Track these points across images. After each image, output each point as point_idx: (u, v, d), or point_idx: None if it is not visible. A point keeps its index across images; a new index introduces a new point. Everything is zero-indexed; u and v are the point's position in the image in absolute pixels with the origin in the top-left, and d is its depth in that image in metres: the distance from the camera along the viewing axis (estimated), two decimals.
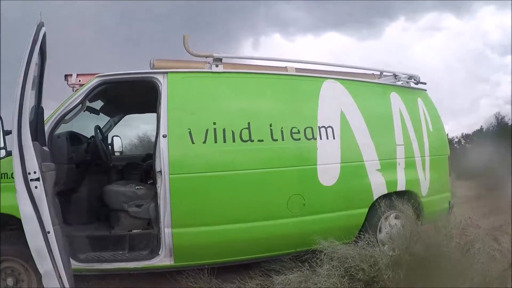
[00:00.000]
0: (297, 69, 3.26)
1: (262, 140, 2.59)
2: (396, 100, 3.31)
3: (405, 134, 3.25)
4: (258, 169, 2.57)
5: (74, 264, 2.43)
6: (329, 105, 2.89)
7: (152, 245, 2.58)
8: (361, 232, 2.87)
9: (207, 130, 2.48)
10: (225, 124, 2.53)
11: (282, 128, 2.66)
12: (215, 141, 2.49)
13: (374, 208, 2.98)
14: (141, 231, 2.73)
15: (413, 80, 3.45)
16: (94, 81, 2.55)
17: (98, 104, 3.45)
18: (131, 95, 3.32)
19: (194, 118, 2.51)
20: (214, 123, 2.50)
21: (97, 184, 3.08)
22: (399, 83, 3.47)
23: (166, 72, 2.60)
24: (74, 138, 2.89)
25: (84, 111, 3.22)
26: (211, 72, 2.66)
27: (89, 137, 3.25)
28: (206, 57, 2.68)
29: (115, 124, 3.86)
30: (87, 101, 3.13)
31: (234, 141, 2.52)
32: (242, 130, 2.55)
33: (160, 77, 2.57)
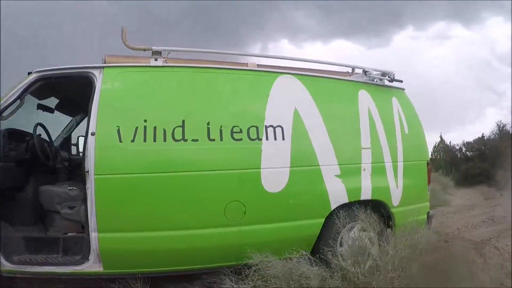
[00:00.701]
0: (258, 65, 3.03)
1: (196, 140, 2.35)
2: (364, 99, 2.97)
3: (374, 137, 2.91)
4: (191, 171, 2.34)
5: (8, 265, 2.33)
6: (281, 103, 2.61)
7: (84, 250, 2.41)
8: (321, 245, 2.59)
9: (136, 128, 2.29)
10: (157, 122, 2.32)
11: (221, 127, 2.41)
12: (144, 140, 2.29)
13: (333, 219, 2.65)
14: (76, 234, 2.58)
15: (387, 77, 3.10)
16: (32, 76, 2.44)
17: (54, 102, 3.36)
18: (82, 92, 3.20)
19: (124, 115, 2.32)
20: (145, 121, 2.30)
21: (43, 184, 2.97)
22: (376, 80, 3.13)
23: (103, 67, 2.44)
24: (14, 135, 2.78)
25: (37, 109, 3.17)
26: (150, 66, 2.47)
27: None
28: (144, 50, 2.50)
29: (77, 123, 3.76)
30: (38, 99, 3.07)
31: (165, 140, 2.30)
32: (175, 128, 2.33)
33: (96, 72, 2.41)
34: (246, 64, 3.02)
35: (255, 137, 2.47)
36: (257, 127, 2.49)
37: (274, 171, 2.49)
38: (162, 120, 2.33)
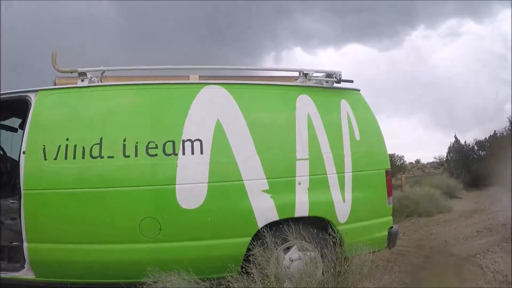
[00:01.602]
0: (201, 77, 2.99)
1: (112, 157, 2.39)
2: (304, 104, 2.72)
3: (313, 146, 2.65)
4: (106, 187, 2.37)
5: None
6: (202, 115, 2.52)
7: (21, 259, 2.59)
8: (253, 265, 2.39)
9: (59, 147, 2.41)
10: (77, 140, 2.41)
11: (137, 143, 2.41)
12: (65, 158, 2.39)
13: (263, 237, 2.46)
14: (19, 243, 2.77)
15: (333, 78, 2.79)
16: None
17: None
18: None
19: (49, 134, 2.46)
20: (67, 139, 2.40)
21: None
22: (327, 83, 2.83)
23: (37, 90, 2.62)
24: None
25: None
26: (76, 87, 2.58)
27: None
28: (71, 72, 2.62)
29: None
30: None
31: (83, 157, 2.38)
32: (93, 146, 2.39)
33: (32, 95, 2.60)
34: (188, 78, 3.00)
35: (171, 152, 2.42)
36: (173, 142, 2.43)
37: (190, 187, 2.40)
38: (81, 138, 2.42)
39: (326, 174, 2.63)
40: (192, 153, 2.44)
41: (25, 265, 2.46)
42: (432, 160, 18.50)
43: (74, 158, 2.39)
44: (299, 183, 2.56)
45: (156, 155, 2.41)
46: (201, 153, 2.45)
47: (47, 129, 2.48)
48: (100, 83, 2.64)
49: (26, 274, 2.46)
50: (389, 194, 2.88)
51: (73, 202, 2.38)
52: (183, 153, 2.43)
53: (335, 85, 2.80)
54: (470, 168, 10.64)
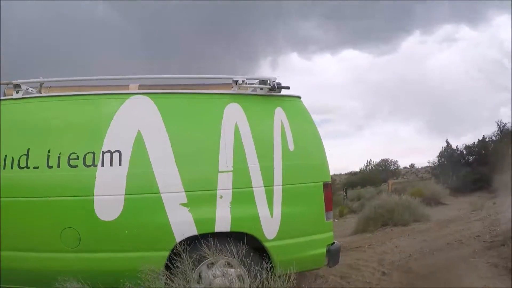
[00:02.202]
0: (141, 86, 2.99)
1: (37, 167, 2.46)
2: (232, 113, 2.61)
3: (239, 157, 2.53)
4: (31, 197, 2.45)
5: None
6: (124, 126, 2.51)
7: None
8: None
9: None
10: (8, 151, 2.50)
11: (59, 154, 2.46)
12: None
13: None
14: None
15: (268, 85, 2.64)
16: None
17: None
18: None
19: None
20: None
21: None
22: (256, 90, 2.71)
23: None
24: None
25: None
26: (11, 99, 2.67)
27: None
28: (7, 85, 2.74)
29: None
30: None
31: (12, 167, 2.47)
32: (21, 156, 2.48)
33: None
34: (128, 87, 3.01)
35: (91, 163, 2.44)
36: (94, 153, 2.45)
37: (108, 198, 2.40)
38: (12, 149, 2.50)
39: (251, 187, 2.50)
40: (111, 165, 2.43)
41: None
42: (426, 164, 17.58)
43: (4, 168, 2.48)
44: (221, 197, 2.45)
45: (77, 166, 2.44)
46: (120, 164, 2.44)
47: None
48: (32, 95, 2.70)
49: None
50: (328, 209, 2.67)
51: (3, 210, 2.49)
52: (102, 165, 2.43)
53: (276, 93, 2.65)
54: (458, 173, 10.27)
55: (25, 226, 2.45)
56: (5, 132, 2.58)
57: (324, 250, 2.62)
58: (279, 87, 2.68)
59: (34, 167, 2.46)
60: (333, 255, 2.68)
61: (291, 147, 2.62)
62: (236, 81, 2.68)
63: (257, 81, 2.71)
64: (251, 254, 2.49)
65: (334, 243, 2.77)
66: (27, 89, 2.71)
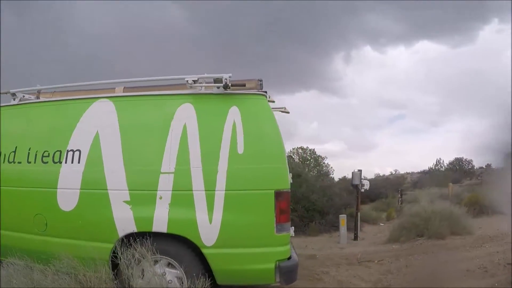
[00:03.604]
0: (125, 89, 3.19)
1: (20, 162, 2.84)
2: (183, 114, 2.59)
3: (182, 159, 2.49)
4: (14, 187, 2.83)
5: None
6: (86, 128, 2.72)
7: None
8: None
9: None
10: (2, 148, 2.95)
11: (36, 152, 2.79)
12: None
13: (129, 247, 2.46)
14: None
15: (222, 83, 2.51)
16: None
17: None
18: None
19: None
20: None
21: None
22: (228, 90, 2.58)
23: None
24: None
25: None
26: (9, 105, 3.14)
27: None
28: (5, 94, 3.19)
29: None
30: None
31: (4, 162, 2.92)
32: (10, 153, 2.91)
33: None
34: (114, 90, 3.26)
35: (58, 160, 2.70)
36: (60, 151, 2.71)
37: (67, 191, 2.62)
38: (5, 147, 2.94)
39: (191, 190, 2.42)
40: (72, 162, 2.66)
41: None
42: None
43: (4, 162, 2.95)
44: (160, 198, 2.45)
45: (47, 162, 2.74)
46: (78, 162, 2.65)
47: None
48: (24, 101, 3.11)
49: None
50: (281, 220, 2.40)
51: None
52: (65, 162, 2.68)
53: (231, 91, 2.54)
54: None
55: (9, 210, 2.84)
56: (4, 133, 3.04)
57: (272, 265, 2.36)
58: (234, 85, 2.56)
59: (18, 162, 2.86)
60: (285, 272, 2.39)
61: (240, 149, 2.45)
62: (187, 81, 2.63)
63: (210, 78, 2.62)
64: (193, 258, 2.43)
65: (290, 258, 2.50)
66: (23, 96, 3.16)
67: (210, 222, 2.38)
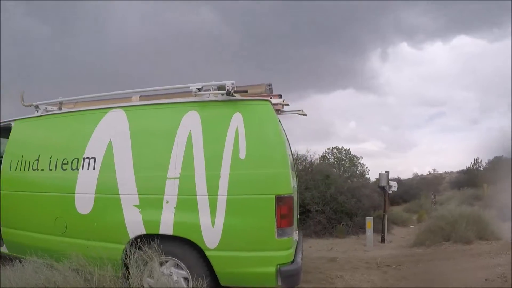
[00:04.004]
0: (141, 97, 3.37)
1: (43, 169, 3.10)
2: (189, 121, 2.71)
3: (187, 165, 2.61)
4: (37, 192, 3.10)
5: None
6: (100, 136, 2.92)
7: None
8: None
9: (18, 161, 3.27)
10: (27, 157, 3.23)
11: (57, 160, 3.03)
12: (20, 169, 3.24)
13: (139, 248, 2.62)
14: None
15: (225, 91, 2.59)
16: None
17: None
18: None
19: (15, 152, 3.35)
20: (22, 156, 3.27)
21: None
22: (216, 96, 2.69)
23: (14, 120, 3.58)
24: None
25: None
26: (33, 117, 3.43)
27: None
28: (30, 106, 3.46)
29: None
30: None
31: (28, 169, 3.19)
32: (34, 161, 3.17)
33: (13, 123, 3.57)
34: (131, 99, 3.45)
35: (76, 167, 2.92)
36: (78, 159, 2.93)
37: (84, 196, 2.83)
38: (29, 155, 3.22)
39: (195, 195, 2.53)
40: (88, 169, 2.87)
41: (3, 243, 3.43)
42: None
43: (22, 170, 3.22)
44: (167, 202, 2.58)
45: (66, 169, 2.97)
46: (94, 169, 2.85)
47: (15, 148, 3.40)
48: (45, 113, 3.38)
49: (5, 249, 3.41)
50: (282, 225, 2.44)
51: (20, 201, 3.20)
52: (82, 169, 2.89)
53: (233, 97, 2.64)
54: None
55: (34, 213, 3.11)
56: (26, 142, 3.34)
57: (273, 269, 2.40)
58: (236, 91, 2.65)
59: (41, 169, 3.12)
60: (286, 276, 2.43)
61: (242, 155, 2.53)
62: (192, 89, 2.73)
63: (215, 86, 2.71)
64: (197, 260, 2.54)
65: (292, 262, 2.54)
66: (46, 108, 3.44)
67: (213, 225, 2.48)
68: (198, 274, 2.51)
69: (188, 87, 2.76)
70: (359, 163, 20.73)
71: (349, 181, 10.58)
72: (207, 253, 2.48)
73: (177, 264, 2.62)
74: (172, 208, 2.57)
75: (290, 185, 2.58)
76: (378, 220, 7.35)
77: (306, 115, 4.17)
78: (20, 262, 2.71)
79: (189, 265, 2.56)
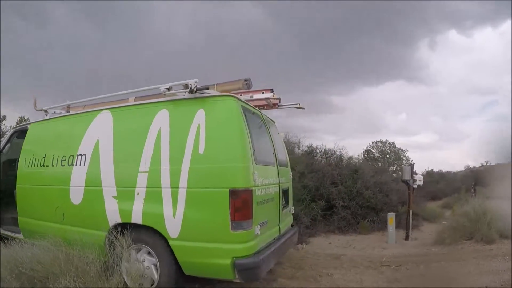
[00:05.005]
0: (137, 98, 3.71)
1: (47, 166, 3.59)
2: (160, 119, 2.97)
3: (155, 160, 2.86)
4: (42, 185, 3.60)
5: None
6: (91, 136, 3.32)
7: None
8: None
9: (30, 159, 3.83)
10: (37, 155, 3.76)
11: (58, 157, 3.51)
12: (31, 166, 3.78)
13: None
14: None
15: (189, 89, 2.78)
16: (11, 131, 4.62)
17: None
18: None
19: (29, 151, 3.91)
20: (33, 154, 3.81)
21: None
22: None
23: (30, 123, 4.18)
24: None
25: None
26: (43, 120, 3.98)
27: None
28: (41, 110, 4.01)
29: None
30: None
31: (37, 166, 3.71)
32: (41, 158, 3.69)
33: (29, 126, 4.15)
34: (127, 100, 3.83)
35: (71, 163, 3.36)
36: (73, 156, 3.36)
37: (76, 188, 3.25)
38: (38, 154, 3.75)
39: (160, 187, 2.76)
40: (80, 164, 3.28)
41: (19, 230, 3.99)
42: None
43: (33, 166, 3.75)
44: (138, 194, 2.85)
45: (64, 165, 3.43)
46: (84, 164, 3.25)
47: (29, 148, 3.96)
48: (52, 116, 3.90)
49: (21, 235, 3.94)
50: (237, 218, 2.53)
51: (32, 193, 3.73)
52: (76, 164, 3.32)
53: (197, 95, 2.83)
54: None
55: (40, 204, 3.62)
56: (37, 143, 3.88)
57: (228, 261, 2.51)
58: (199, 89, 2.82)
59: (46, 166, 3.62)
60: (243, 269, 2.52)
61: (201, 150, 2.69)
62: (162, 89, 2.90)
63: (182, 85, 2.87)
64: (164, 249, 2.76)
65: (253, 254, 2.61)
66: (54, 112, 3.96)
67: (174, 216, 2.68)
68: (165, 262, 2.74)
69: (159, 87, 2.96)
70: (405, 156, 19.57)
71: (378, 175, 9.84)
72: (170, 242, 2.69)
73: (149, 252, 2.87)
74: (142, 200, 2.83)
75: (248, 179, 2.65)
76: (404, 216, 6.88)
77: (303, 108, 4.20)
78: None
79: (158, 253, 2.79)
